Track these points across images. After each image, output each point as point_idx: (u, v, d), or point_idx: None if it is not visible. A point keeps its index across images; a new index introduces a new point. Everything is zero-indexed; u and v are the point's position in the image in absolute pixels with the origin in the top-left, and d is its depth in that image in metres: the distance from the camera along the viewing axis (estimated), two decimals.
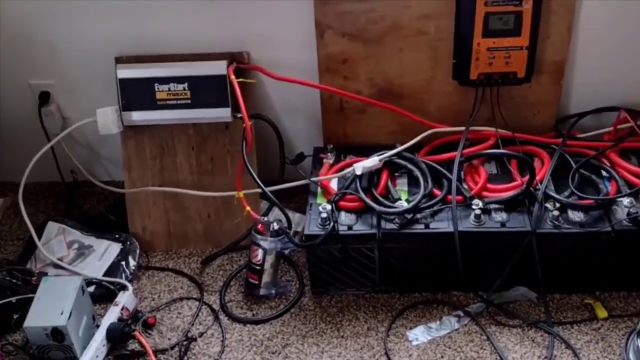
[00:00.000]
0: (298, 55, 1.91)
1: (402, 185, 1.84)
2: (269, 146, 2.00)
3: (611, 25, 1.83)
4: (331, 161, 1.92)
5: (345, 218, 1.75)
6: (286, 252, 1.89)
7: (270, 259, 1.79)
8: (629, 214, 1.67)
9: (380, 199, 1.76)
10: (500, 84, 1.86)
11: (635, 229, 1.66)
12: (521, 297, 1.78)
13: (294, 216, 1.98)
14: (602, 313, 1.74)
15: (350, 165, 1.83)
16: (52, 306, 1.62)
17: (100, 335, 1.67)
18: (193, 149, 1.95)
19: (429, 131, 1.91)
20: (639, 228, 1.66)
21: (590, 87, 1.95)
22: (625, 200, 1.70)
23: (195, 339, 1.73)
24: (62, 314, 1.59)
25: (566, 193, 1.75)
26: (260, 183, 1.78)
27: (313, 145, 2.02)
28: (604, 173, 1.82)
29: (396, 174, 1.87)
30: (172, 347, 1.71)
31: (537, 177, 1.76)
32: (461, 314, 1.75)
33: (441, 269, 1.76)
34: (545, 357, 1.64)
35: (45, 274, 1.81)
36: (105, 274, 1.87)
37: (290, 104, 2.02)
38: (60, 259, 1.89)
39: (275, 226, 1.77)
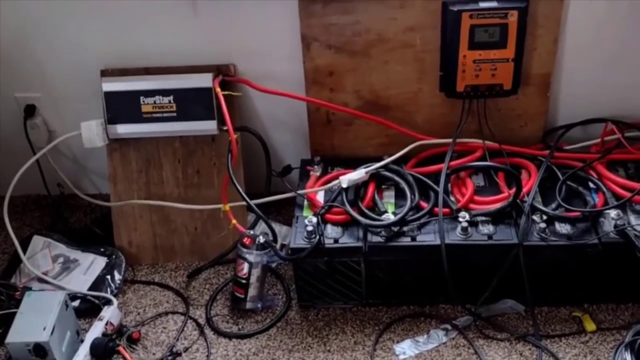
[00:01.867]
0: (285, 68, 1.90)
1: (389, 197, 1.83)
2: (256, 158, 1.99)
3: (597, 38, 1.84)
4: (318, 173, 1.91)
5: (331, 231, 1.74)
6: (273, 265, 1.88)
7: (256, 273, 1.77)
8: (616, 226, 1.67)
9: (367, 211, 1.75)
10: (487, 96, 1.86)
11: (623, 241, 1.65)
12: (509, 309, 1.77)
13: (281, 229, 1.97)
14: (590, 326, 1.73)
15: (337, 177, 1.82)
16: (34, 321, 1.60)
17: (84, 350, 1.65)
18: (179, 162, 1.94)
19: (416, 143, 1.91)
20: (626, 240, 1.65)
21: (577, 99, 1.95)
22: (612, 213, 1.69)
23: (180, 354, 1.72)
24: (44, 329, 1.58)
25: (553, 205, 1.75)
26: (245, 196, 1.77)
27: (300, 157, 2.01)
28: (591, 185, 1.82)
29: (383, 187, 1.86)
30: None
31: (524, 189, 1.76)
32: (449, 327, 1.74)
33: (428, 281, 1.75)
34: None
35: (29, 289, 1.79)
36: (90, 288, 1.86)
37: (277, 117, 2.02)
38: (45, 273, 1.88)
39: (261, 239, 1.75)
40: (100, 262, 1.92)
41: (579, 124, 1.96)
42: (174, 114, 1.86)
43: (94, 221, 2.09)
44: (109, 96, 1.86)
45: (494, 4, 1.73)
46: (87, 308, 1.82)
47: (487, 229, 1.72)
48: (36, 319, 1.61)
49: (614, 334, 1.71)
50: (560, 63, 1.88)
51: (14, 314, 1.64)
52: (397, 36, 1.82)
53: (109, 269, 1.91)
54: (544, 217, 1.71)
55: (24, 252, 1.92)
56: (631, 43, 1.84)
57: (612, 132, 1.89)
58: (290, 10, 1.79)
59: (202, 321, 1.81)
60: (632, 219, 1.71)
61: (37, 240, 1.96)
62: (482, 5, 1.73)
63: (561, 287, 1.76)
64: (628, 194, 1.73)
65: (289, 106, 1.94)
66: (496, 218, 1.74)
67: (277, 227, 1.92)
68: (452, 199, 1.80)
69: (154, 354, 1.72)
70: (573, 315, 1.76)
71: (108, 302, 1.80)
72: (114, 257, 1.94)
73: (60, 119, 2.04)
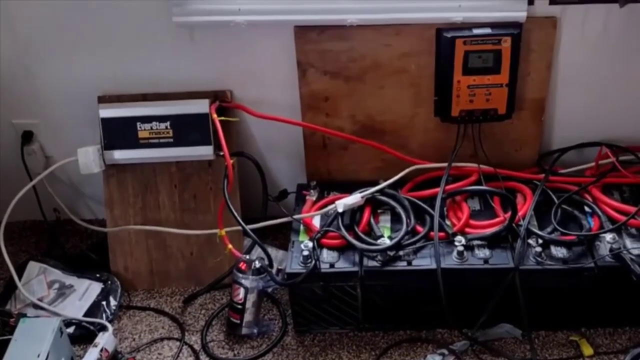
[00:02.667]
0: (281, 93, 1.92)
1: (384, 222, 1.83)
2: (252, 183, 1.99)
3: (590, 63, 1.86)
4: (314, 198, 1.92)
5: (327, 256, 1.74)
6: (269, 290, 1.87)
7: (252, 298, 1.77)
8: (611, 249, 1.67)
9: (363, 236, 1.75)
10: (482, 120, 1.87)
11: (618, 265, 1.66)
12: (506, 334, 1.76)
13: (278, 253, 1.97)
14: (587, 350, 1.72)
15: (333, 202, 1.83)
16: (28, 349, 1.58)
17: None
18: (176, 187, 1.94)
19: (412, 167, 1.92)
20: (622, 264, 1.65)
21: (571, 123, 1.97)
22: (608, 236, 1.70)
23: None
24: (38, 356, 1.56)
25: (549, 229, 1.75)
26: (241, 221, 1.77)
27: (297, 181, 2.02)
28: (586, 209, 1.82)
29: (379, 211, 1.86)
30: None
31: (520, 213, 1.76)
32: (446, 352, 1.73)
33: (425, 306, 1.75)
34: None
35: (24, 315, 1.77)
36: (85, 314, 1.85)
37: (273, 142, 2.03)
38: (40, 299, 1.87)
39: (257, 264, 1.75)
40: (96, 287, 1.92)
41: (573, 147, 1.98)
42: (171, 140, 1.87)
43: (90, 247, 2.08)
44: (106, 122, 1.87)
45: (488, 31, 1.75)
46: (82, 334, 1.80)
47: (483, 253, 1.72)
48: (30, 346, 1.59)
49: (611, 358, 1.70)
50: (554, 88, 1.90)
51: (9, 340, 1.63)
52: (392, 62, 1.84)
53: (104, 294, 1.90)
54: (540, 241, 1.71)
55: (20, 278, 1.91)
56: (623, 68, 1.86)
57: (607, 156, 1.91)
58: (286, 37, 1.81)
59: (197, 347, 1.80)
60: (628, 242, 1.71)
61: (33, 266, 1.96)
62: (476, 31, 1.75)
63: (558, 311, 1.76)
64: (623, 218, 1.73)
65: (285, 131, 1.95)
66: (492, 242, 1.74)
67: (273, 251, 1.92)
68: (448, 223, 1.80)
69: None
70: (570, 340, 1.75)
71: (103, 328, 1.78)
72: (109, 282, 1.93)
73: (57, 145, 2.04)
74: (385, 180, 1.88)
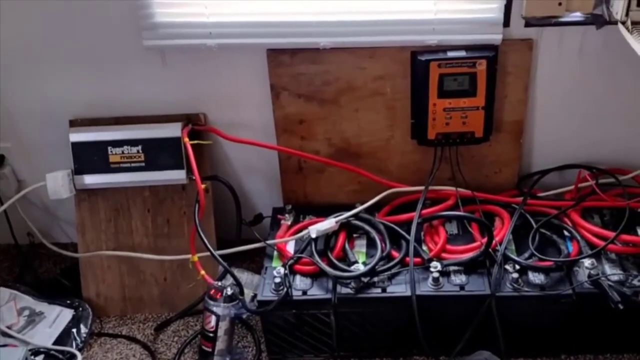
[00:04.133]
0: (255, 116, 1.90)
1: (360, 247, 1.80)
2: (227, 206, 1.96)
3: (568, 85, 1.84)
4: (289, 222, 1.89)
5: (300, 282, 1.70)
6: (243, 316, 1.83)
7: (224, 325, 1.73)
8: (589, 275, 1.64)
9: (336, 262, 1.72)
10: (459, 143, 1.85)
11: (597, 292, 1.62)
12: None
13: (254, 278, 1.92)
14: None
15: (307, 226, 1.80)
16: None
17: None
18: (149, 212, 1.91)
19: (388, 191, 1.89)
20: (600, 290, 1.62)
21: (551, 145, 1.95)
22: (587, 262, 1.67)
23: None
24: None
25: (526, 254, 1.72)
26: (211, 249, 1.73)
27: (273, 204, 2.00)
28: (565, 233, 1.79)
29: (354, 235, 1.84)
30: None
31: (497, 238, 1.73)
32: None
33: (401, 333, 1.72)
34: None
35: None
36: (55, 342, 1.81)
37: (249, 165, 2.00)
38: (9, 327, 1.83)
39: (229, 291, 1.72)
40: (67, 314, 1.88)
41: (553, 170, 1.95)
42: (143, 164, 1.84)
43: (62, 272, 2.05)
44: (76, 147, 1.84)
45: (462, 54, 1.73)
46: None
47: (460, 279, 1.69)
48: None
49: None
50: (532, 110, 1.87)
51: None
52: (367, 85, 1.82)
53: (75, 321, 1.87)
54: (517, 267, 1.68)
55: None
56: (601, 89, 1.83)
57: (587, 179, 1.88)
58: (258, 60, 1.79)
59: None
60: (607, 268, 1.68)
61: (3, 293, 1.92)
62: (450, 54, 1.73)
63: (537, 338, 1.73)
64: (602, 243, 1.70)
65: (261, 154, 1.93)
66: (468, 268, 1.71)
67: (249, 276, 1.88)
68: (425, 248, 1.77)
69: None
70: None
71: (73, 357, 1.75)
72: (80, 309, 1.90)
73: (29, 169, 2.02)
74: (362, 203, 1.85)
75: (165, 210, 1.91)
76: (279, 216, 1.92)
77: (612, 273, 1.66)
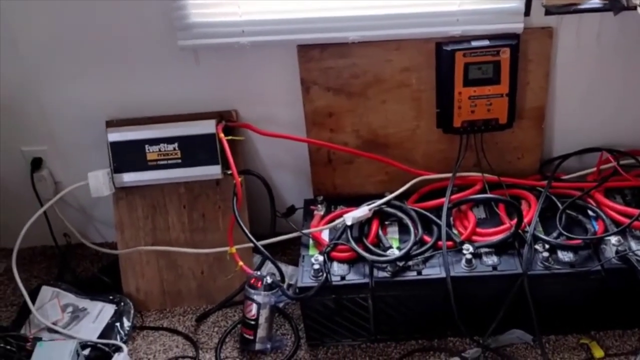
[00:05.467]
0: (285, 111, 1.95)
1: (392, 233, 1.86)
2: (260, 200, 2.02)
3: (587, 71, 1.89)
4: (322, 212, 1.94)
5: (337, 268, 1.76)
6: (280, 305, 1.89)
7: (264, 313, 1.78)
8: (617, 252, 1.70)
9: (372, 248, 1.77)
10: (484, 130, 1.91)
11: (625, 267, 1.68)
12: (517, 340, 1.78)
13: (287, 269, 1.99)
14: (598, 353, 1.74)
15: (340, 216, 1.85)
16: None
17: None
18: (184, 207, 1.97)
19: (417, 179, 1.95)
20: (628, 266, 1.67)
21: (571, 129, 2.00)
22: (613, 239, 1.72)
23: None
24: None
25: (554, 234, 1.78)
26: (252, 237, 1.79)
27: (303, 197, 2.05)
28: (590, 213, 1.85)
29: (386, 223, 1.89)
30: None
31: (525, 220, 1.79)
32: None
33: (435, 315, 1.77)
34: None
35: (40, 339, 1.79)
36: (100, 336, 1.86)
37: (279, 159, 2.06)
38: (54, 323, 1.88)
39: (269, 280, 1.77)
40: (109, 309, 1.93)
41: (574, 154, 2.01)
42: (179, 161, 1.90)
43: (101, 269, 2.10)
44: (115, 146, 1.90)
45: (486, 43, 1.79)
46: (97, 356, 1.81)
47: (491, 260, 1.74)
48: None
49: None
50: (552, 96, 1.93)
51: None
52: (394, 77, 1.88)
53: (117, 316, 1.92)
54: (547, 246, 1.74)
55: (33, 302, 1.93)
56: (619, 73, 1.89)
57: (608, 161, 1.94)
58: (289, 56, 1.85)
59: None
60: (633, 244, 1.74)
61: (46, 291, 1.97)
62: (475, 44, 1.79)
63: (567, 315, 1.78)
64: (627, 220, 1.76)
65: (291, 148, 1.99)
66: (499, 249, 1.76)
67: (283, 267, 1.94)
68: (455, 232, 1.83)
69: None
70: (581, 343, 1.78)
71: (118, 349, 1.80)
72: (122, 304, 1.95)
73: (66, 171, 2.07)
74: (391, 192, 1.91)
75: (201, 206, 1.97)
76: (312, 207, 1.97)
77: (639, 248, 1.71)
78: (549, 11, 1.78)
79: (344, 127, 1.95)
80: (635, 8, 1.66)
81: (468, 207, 1.90)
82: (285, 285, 1.85)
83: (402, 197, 1.93)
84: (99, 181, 1.89)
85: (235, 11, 1.76)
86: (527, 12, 1.79)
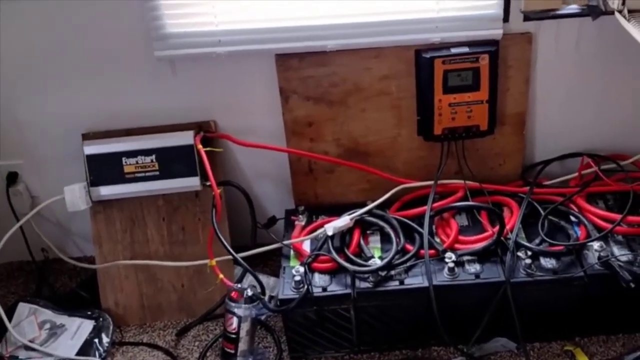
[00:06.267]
0: (264, 121, 1.94)
1: (374, 242, 1.84)
2: (240, 211, 2.00)
3: (566, 76, 1.89)
4: (303, 223, 1.92)
5: (319, 279, 1.74)
6: (262, 317, 1.86)
7: (245, 327, 1.75)
8: (599, 257, 1.69)
9: (354, 258, 1.75)
10: (464, 137, 1.90)
11: (608, 272, 1.67)
12: (501, 348, 1.77)
13: (269, 280, 1.96)
14: (583, 359, 1.73)
15: (322, 226, 1.83)
16: None
17: None
18: (164, 220, 1.94)
19: (398, 187, 1.93)
20: (610, 271, 1.67)
21: (553, 135, 2.00)
22: (596, 245, 1.72)
23: None
24: None
25: (537, 240, 1.77)
26: (231, 250, 1.76)
27: (284, 207, 2.03)
28: (572, 218, 1.84)
29: (368, 232, 1.87)
30: None
31: (508, 227, 1.78)
32: None
33: (419, 324, 1.75)
34: None
35: (17, 358, 1.76)
36: (78, 353, 1.83)
37: (259, 169, 2.04)
38: (31, 341, 1.85)
39: (249, 292, 1.75)
40: (88, 325, 1.90)
41: (556, 159, 2.00)
42: (157, 173, 1.87)
43: (79, 284, 2.06)
44: (91, 159, 1.87)
45: (465, 49, 1.79)
46: None
47: (474, 268, 1.73)
48: None
49: None
50: (533, 101, 1.93)
51: None
52: (373, 85, 1.86)
53: (96, 332, 1.88)
54: (529, 253, 1.73)
55: (10, 320, 1.88)
56: (598, 78, 1.90)
57: (589, 166, 1.94)
58: (267, 65, 1.83)
59: None
60: (615, 249, 1.73)
61: (23, 308, 1.93)
62: (454, 50, 1.79)
63: (551, 322, 1.77)
64: (609, 225, 1.75)
65: (271, 158, 1.97)
66: (482, 257, 1.75)
67: (264, 279, 1.91)
68: (438, 240, 1.82)
69: None
70: (565, 350, 1.76)
71: None
72: (101, 319, 1.91)
73: (42, 184, 2.04)
74: (373, 201, 1.89)
75: (180, 218, 1.94)
76: (293, 217, 1.95)
77: (621, 254, 1.71)
78: (527, 17, 1.77)
79: (324, 136, 1.93)
80: (613, 13, 1.66)
81: (450, 214, 1.89)
82: (267, 297, 1.82)
83: (384, 205, 1.91)
84: (75, 195, 1.86)
85: (211, 21, 1.75)
86: (505, 18, 1.78)
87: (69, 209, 1.87)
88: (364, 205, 1.88)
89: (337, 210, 1.90)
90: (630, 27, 1.55)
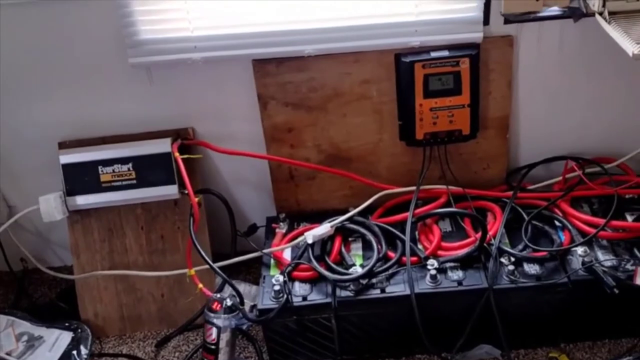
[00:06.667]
0: (244, 127, 1.91)
1: (356, 250, 1.82)
2: (221, 218, 1.97)
3: (549, 78, 1.87)
4: (284, 230, 1.90)
5: (299, 288, 1.71)
6: (244, 327, 1.84)
7: (225, 337, 1.73)
8: (583, 263, 1.67)
9: (334, 266, 1.73)
10: (447, 142, 1.87)
11: (592, 278, 1.65)
12: (485, 355, 1.74)
13: (251, 289, 1.93)
14: None
15: (302, 233, 1.81)
16: None
17: None
18: (142, 229, 1.91)
19: (380, 193, 1.90)
20: (595, 277, 1.64)
21: (537, 138, 1.97)
22: (580, 250, 1.69)
23: None
24: None
25: (520, 246, 1.75)
26: (208, 260, 1.73)
27: (266, 214, 2.00)
28: (556, 223, 1.82)
29: (350, 239, 1.85)
30: None
31: (491, 232, 1.75)
32: None
33: (402, 332, 1.73)
34: None
35: None
36: None
37: (240, 176, 2.01)
38: (8, 353, 1.82)
39: (229, 302, 1.72)
40: (66, 337, 1.87)
41: (540, 163, 1.98)
42: (134, 181, 1.84)
43: (58, 295, 2.04)
44: (67, 168, 1.84)
45: (445, 53, 1.76)
46: None
47: (457, 275, 1.70)
48: None
49: None
50: (516, 105, 1.90)
51: None
52: (353, 89, 1.84)
53: (75, 343, 1.85)
54: (512, 259, 1.70)
55: None
56: (581, 81, 1.87)
57: (574, 169, 1.91)
58: (244, 71, 1.80)
59: None
60: (599, 254, 1.71)
61: (0, 320, 1.90)
62: (434, 54, 1.76)
63: (536, 328, 1.75)
64: (593, 230, 1.73)
65: (251, 165, 1.94)
66: (465, 263, 1.73)
67: (246, 287, 1.89)
68: (420, 246, 1.79)
69: None
70: (550, 356, 1.74)
71: None
72: (79, 331, 1.89)
73: (19, 194, 2.01)
74: (355, 207, 1.86)
75: (159, 227, 1.91)
76: (274, 225, 1.92)
77: (605, 259, 1.69)
78: (508, 20, 1.75)
79: (304, 142, 1.90)
80: (594, 15, 1.63)
81: (433, 220, 1.86)
82: (249, 307, 1.79)
83: (367, 211, 1.88)
84: (51, 205, 1.83)
85: (186, 27, 1.71)
86: (486, 21, 1.75)
87: (44, 220, 1.84)
88: (346, 211, 1.86)
89: (319, 217, 1.87)
90: (610, 30, 1.53)
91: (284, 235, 1.88)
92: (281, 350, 1.75)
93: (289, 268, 1.73)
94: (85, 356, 1.83)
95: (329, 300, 1.67)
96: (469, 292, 1.67)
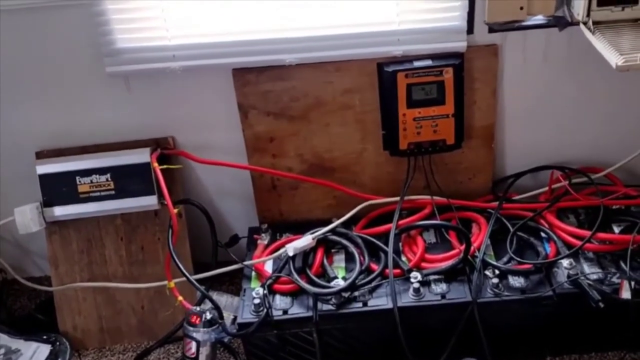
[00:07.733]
0: (225, 137, 1.88)
1: (339, 262, 1.79)
2: (203, 228, 1.93)
3: (535, 87, 1.84)
4: (266, 242, 1.87)
5: (280, 302, 1.68)
6: (225, 340, 1.80)
7: (205, 351, 1.70)
8: (569, 276, 1.64)
9: (315, 279, 1.70)
10: (431, 152, 1.85)
11: (577, 291, 1.62)
12: None
13: (233, 300, 1.89)
14: None
15: (285, 245, 1.78)
16: None
17: None
18: (122, 240, 1.88)
19: (364, 204, 1.88)
20: (580, 290, 1.62)
21: (523, 147, 1.95)
22: (565, 262, 1.67)
23: None
24: None
25: (505, 259, 1.72)
26: (185, 273, 1.70)
27: (249, 224, 1.97)
28: (542, 234, 1.79)
29: (333, 250, 1.82)
30: None
31: (475, 244, 1.73)
32: None
33: (385, 346, 1.70)
34: None
35: None
36: None
37: (221, 186, 1.98)
38: None
39: (208, 316, 1.69)
40: (44, 350, 1.84)
41: (526, 172, 1.96)
42: (112, 192, 1.81)
43: (37, 307, 2.00)
44: (44, 178, 1.81)
45: (428, 62, 1.73)
46: None
47: (440, 287, 1.68)
48: None
49: None
50: (501, 114, 1.88)
51: None
52: (336, 99, 1.81)
53: (52, 357, 1.83)
54: (497, 272, 1.68)
55: None
56: (567, 90, 1.85)
57: (560, 179, 1.89)
58: (224, 80, 1.78)
59: None
60: (585, 267, 1.69)
61: None
62: (417, 64, 1.73)
63: (521, 342, 1.73)
64: (579, 242, 1.70)
65: (233, 175, 1.91)
66: (449, 276, 1.70)
67: (228, 299, 1.85)
68: (404, 258, 1.76)
69: None
70: None
71: None
72: (58, 343, 1.86)
73: None
74: (339, 218, 1.84)
75: (139, 238, 1.88)
76: (255, 236, 1.89)
77: (591, 272, 1.66)
78: (492, 29, 1.72)
79: (287, 152, 1.88)
80: (579, 24, 1.61)
81: (417, 231, 1.83)
82: (230, 319, 1.76)
83: (350, 222, 1.86)
84: (27, 217, 1.80)
85: (164, 35, 1.69)
86: (470, 30, 1.73)
87: (20, 232, 1.81)
88: (329, 222, 1.83)
89: (302, 228, 1.84)
90: (594, 40, 1.50)
91: (266, 246, 1.85)
92: None
93: (270, 281, 1.70)
94: None
95: (310, 314, 1.64)
96: (452, 306, 1.64)
